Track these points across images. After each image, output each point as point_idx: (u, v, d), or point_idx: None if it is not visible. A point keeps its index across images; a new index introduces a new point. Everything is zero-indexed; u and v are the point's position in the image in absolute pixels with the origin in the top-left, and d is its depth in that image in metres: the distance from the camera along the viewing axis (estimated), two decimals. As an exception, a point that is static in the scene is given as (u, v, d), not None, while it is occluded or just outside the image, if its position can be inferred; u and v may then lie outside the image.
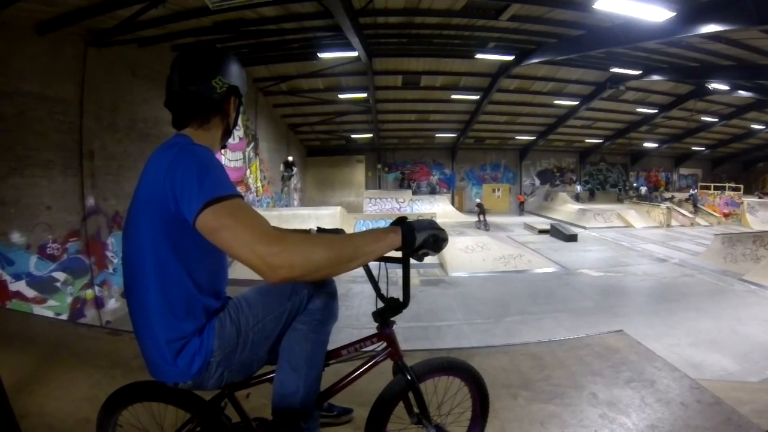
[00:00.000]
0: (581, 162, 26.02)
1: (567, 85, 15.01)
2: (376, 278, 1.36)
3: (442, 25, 9.80)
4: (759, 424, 1.76)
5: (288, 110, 17.03)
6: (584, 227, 17.18)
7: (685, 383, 2.11)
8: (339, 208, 15.22)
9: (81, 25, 6.13)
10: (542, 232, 15.88)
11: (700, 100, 15.70)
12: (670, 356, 3.73)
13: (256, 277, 0.88)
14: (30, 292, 5.63)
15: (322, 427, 1.43)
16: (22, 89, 5.55)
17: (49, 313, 5.69)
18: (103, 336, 2.78)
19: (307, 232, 1.40)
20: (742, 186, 21.56)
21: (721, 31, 7.62)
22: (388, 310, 1.29)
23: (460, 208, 23.35)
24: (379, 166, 24.13)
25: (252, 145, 14.03)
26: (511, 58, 11.32)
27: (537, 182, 25.94)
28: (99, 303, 6.74)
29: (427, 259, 1.31)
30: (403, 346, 1.38)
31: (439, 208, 20.02)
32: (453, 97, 15.59)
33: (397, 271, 1.21)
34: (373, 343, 1.34)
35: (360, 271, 1.28)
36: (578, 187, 24.90)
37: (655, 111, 17.57)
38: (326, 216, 13.62)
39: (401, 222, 1.05)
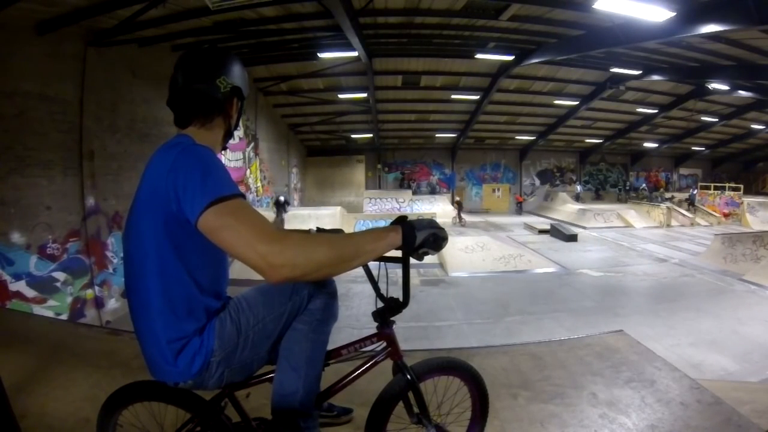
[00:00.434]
0: (581, 162, 26.03)
1: (567, 85, 15.01)
2: (376, 278, 1.36)
3: (442, 25, 9.80)
4: (759, 424, 1.76)
5: (288, 110, 17.03)
6: (584, 227, 17.19)
7: (685, 383, 2.12)
8: (339, 208, 15.24)
9: (81, 25, 6.13)
10: (542, 232, 15.88)
11: (700, 100, 15.70)
12: (670, 356, 3.73)
13: (256, 277, 0.88)
14: (30, 292, 5.63)
15: (322, 426, 1.43)
16: (22, 89, 5.55)
17: (49, 313, 5.69)
18: (103, 336, 2.78)
19: (307, 232, 1.40)
20: (742, 186, 21.56)
21: (721, 31, 7.62)
22: (388, 309, 1.29)
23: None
24: (379, 166, 24.14)
25: (252, 145, 14.03)
26: (511, 58, 11.32)
27: (537, 182, 25.94)
28: (99, 303, 6.74)
29: (427, 259, 1.31)
30: (402, 346, 1.39)
31: (439, 208, 20.03)
32: (453, 97, 15.59)
33: (396, 271, 1.21)
34: (373, 343, 1.34)
35: (360, 271, 1.28)
36: (578, 187, 24.91)
37: (655, 111, 17.57)
38: (326, 216, 13.63)
39: (402, 221, 1.05)
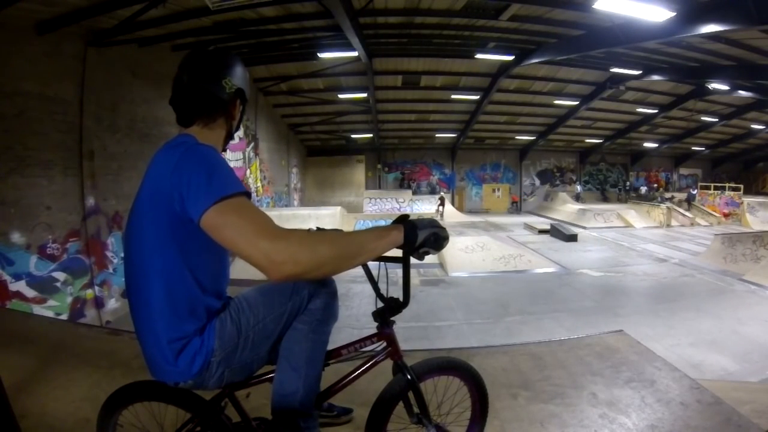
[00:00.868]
0: (581, 162, 26.03)
1: (567, 85, 15.00)
2: (376, 278, 1.36)
3: (442, 25, 9.80)
4: (759, 424, 1.76)
5: (288, 110, 17.03)
6: (584, 227, 17.19)
7: (685, 383, 2.12)
8: (339, 208, 15.22)
9: (81, 25, 6.13)
10: (542, 232, 15.87)
11: (700, 100, 15.70)
12: (670, 356, 3.73)
13: (255, 277, 0.88)
14: (30, 292, 5.63)
15: (322, 427, 1.43)
16: (22, 89, 5.55)
17: (49, 313, 5.69)
18: (103, 336, 2.78)
19: (307, 231, 1.40)
20: (742, 186, 21.56)
21: (721, 31, 7.62)
22: (388, 309, 1.29)
23: (460, 208, 23.34)
24: (379, 166, 24.14)
25: (252, 145, 14.03)
26: (511, 58, 11.32)
27: (537, 182, 25.95)
28: (99, 303, 6.74)
29: (427, 259, 1.31)
30: (402, 346, 1.39)
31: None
32: (453, 97, 15.59)
33: (396, 271, 1.21)
34: (373, 343, 1.35)
35: (360, 271, 1.29)
36: (578, 187, 24.91)
37: (655, 111, 17.57)
38: (326, 216, 13.63)
39: (403, 220, 1.06)
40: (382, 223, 11.89)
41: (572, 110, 17.30)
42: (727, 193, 21.11)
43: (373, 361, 1.33)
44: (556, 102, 16.56)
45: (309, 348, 1.21)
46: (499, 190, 25.60)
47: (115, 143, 7.15)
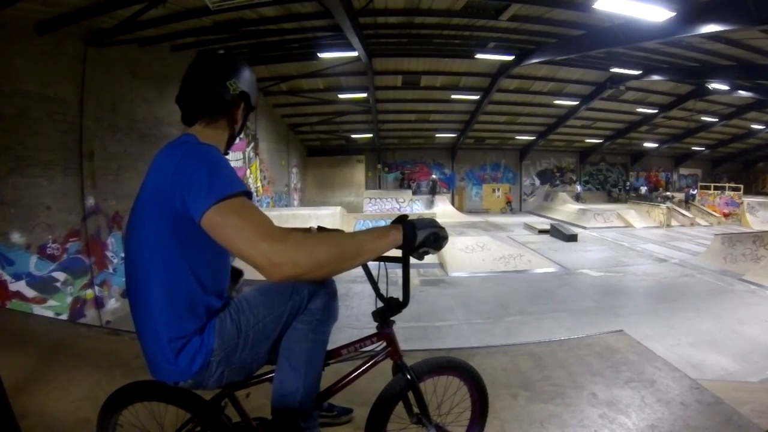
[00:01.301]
0: (581, 162, 26.01)
1: (567, 85, 15.00)
2: (376, 278, 1.36)
3: (442, 25, 9.79)
4: (759, 424, 1.76)
5: (288, 110, 17.02)
6: (584, 227, 17.18)
7: (685, 383, 2.12)
8: (339, 208, 15.22)
9: (81, 25, 6.12)
10: (542, 232, 15.87)
11: (700, 100, 15.68)
12: (670, 356, 3.73)
13: (255, 277, 0.88)
14: (30, 292, 5.63)
15: (322, 426, 1.43)
16: (22, 89, 5.55)
17: (49, 313, 5.69)
18: (103, 336, 2.78)
19: (308, 231, 1.40)
20: (742, 186, 21.55)
21: (721, 31, 7.61)
22: (388, 309, 1.29)
23: (460, 208, 23.34)
24: (379, 166, 24.13)
25: (252, 145, 14.03)
26: (511, 58, 11.31)
27: (537, 182, 25.93)
28: (99, 303, 6.74)
29: (427, 259, 1.31)
30: (403, 346, 1.39)
31: (439, 208, 20.03)
32: (453, 97, 15.57)
33: (396, 271, 1.21)
34: (372, 343, 1.35)
35: (360, 271, 1.29)
36: (578, 187, 24.90)
37: (655, 111, 17.56)
38: (326, 216, 13.62)
39: (402, 220, 1.06)
40: (382, 223, 11.90)
41: (572, 110, 17.30)
42: (727, 193, 21.10)
43: (373, 361, 1.33)
44: (556, 102, 16.55)
45: (309, 348, 1.21)
46: (499, 190, 25.60)
47: (115, 143, 7.15)
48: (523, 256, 10.93)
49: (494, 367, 2.32)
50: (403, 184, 24.17)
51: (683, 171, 27.50)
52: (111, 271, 7.01)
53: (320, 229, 1.51)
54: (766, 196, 21.47)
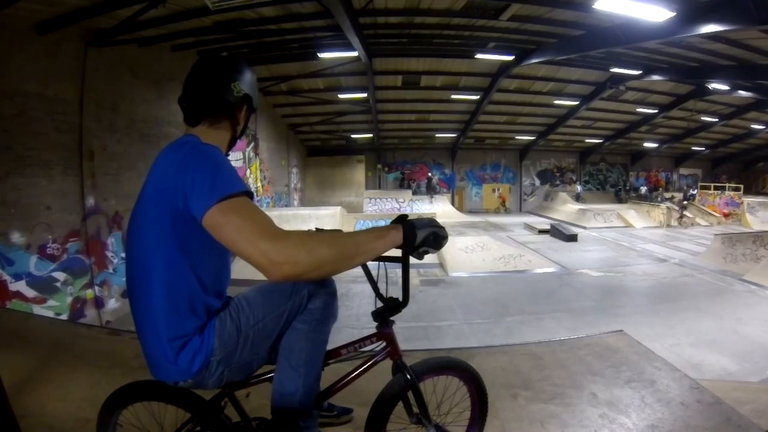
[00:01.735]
0: (581, 162, 26.01)
1: (567, 85, 14.99)
2: (375, 278, 1.36)
3: (442, 25, 9.79)
4: (759, 424, 1.76)
5: (288, 110, 17.02)
6: (584, 227, 17.18)
7: (685, 383, 2.12)
8: (339, 208, 15.22)
9: (81, 25, 6.12)
10: (542, 232, 15.86)
11: (700, 100, 15.69)
12: (670, 356, 3.73)
13: (255, 277, 0.89)
14: (30, 292, 5.63)
15: (322, 426, 1.43)
16: (22, 89, 5.54)
17: (49, 313, 5.69)
18: (103, 336, 2.78)
19: (307, 232, 1.40)
20: (742, 186, 21.55)
21: (721, 31, 7.61)
22: (388, 309, 1.29)
23: (460, 208, 23.34)
24: (379, 166, 24.13)
25: (252, 145, 14.03)
26: (511, 58, 11.31)
27: (537, 182, 25.93)
28: (99, 303, 6.74)
29: (427, 259, 1.31)
30: (402, 346, 1.39)
31: (439, 208, 20.02)
32: (453, 97, 15.57)
33: (396, 271, 1.21)
34: (372, 343, 1.35)
35: (360, 271, 1.29)
36: (578, 187, 24.90)
37: (655, 111, 17.56)
38: (326, 216, 13.63)
39: (402, 220, 1.06)
40: (382, 223, 11.90)
41: (572, 110, 17.29)
42: (727, 193, 21.10)
43: (373, 360, 1.33)
44: (556, 102, 16.55)
45: (309, 347, 1.21)
46: (499, 190, 25.61)
47: (115, 143, 7.15)
48: (523, 256, 10.93)
49: (494, 367, 2.33)
50: (403, 184, 24.18)
51: (683, 171, 27.50)
52: (111, 271, 7.01)
53: (318, 231, 1.51)
54: (766, 196, 21.46)
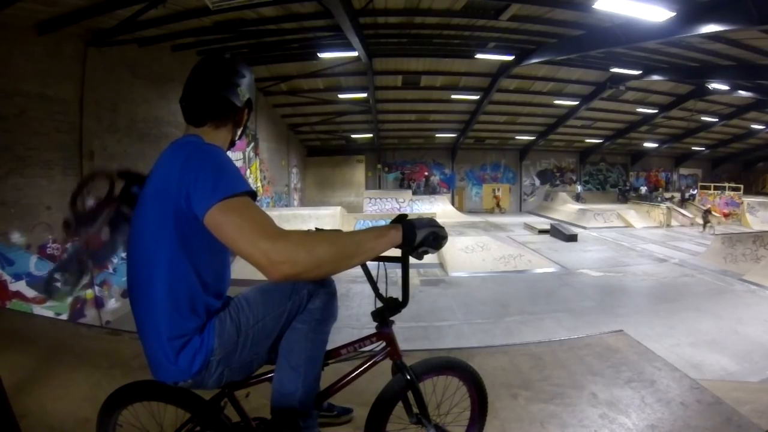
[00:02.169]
0: (581, 162, 26.00)
1: (567, 85, 14.99)
2: (375, 278, 1.36)
3: (442, 25, 9.79)
4: (759, 424, 1.76)
5: (288, 110, 17.02)
6: (584, 227, 17.18)
7: (685, 383, 2.12)
8: (339, 208, 15.22)
9: (81, 25, 6.12)
10: (542, 232, 15.87)
11: (700, 100, 15.68)
12: (670, 356, 3.73)
13: (254, 277, 0.89)
14: (30, 292, 5.63)
15: (322, 426, 1.43)
16: (22, 89, 5.55)
17: (49, 313, 5.68)
18: (103, 336, 2.78)
19: (306, 232, 1.40)
20: (742, 186, 21.54)
21: (721, 31, 7.61)
22: (387, 309, 1.29)
23: (460, 208, 23.33)
24: (379, 166, 24.13)
25: (252, 145, 14.03)
26: (511, 58, 11.31)
27: (537, 182, 25.92)
28: (99, 303, 6.74)
29: (427, 259, 1.31)
30: (402, 346, 1.39)
31: (439, 208, 20.01)
32: (453, 97, 15.57)
33: (396, 271, 1.21)
34: (372, 343, 1.35)
35: (360, 271, 1.29)
36: (578, 187, 24.89)
37: (655, 111, 17.55)
38: (326, 216, 13.63)
39: (402, 220, 1.06)
40: (382, 223, 11.90)
41: (572, 110, 17.29)
42: (727, 193, 21.09)
43: (373, 360, 1.33)
44: (556, 102, 16.55)
45: (308, 347, 1.21)
46: (499, 190, 25.61)
47: (115, 143, 7.15)
48: (523, 256, 10.93)
49: (494, 367, 2.32)
50: (403, 184, 24.17)
51: (683, 171, 27.49)
52: (111, 271, 7.01)
53: (318, 231, 1.51)
54: (766, 196, 21.45)
